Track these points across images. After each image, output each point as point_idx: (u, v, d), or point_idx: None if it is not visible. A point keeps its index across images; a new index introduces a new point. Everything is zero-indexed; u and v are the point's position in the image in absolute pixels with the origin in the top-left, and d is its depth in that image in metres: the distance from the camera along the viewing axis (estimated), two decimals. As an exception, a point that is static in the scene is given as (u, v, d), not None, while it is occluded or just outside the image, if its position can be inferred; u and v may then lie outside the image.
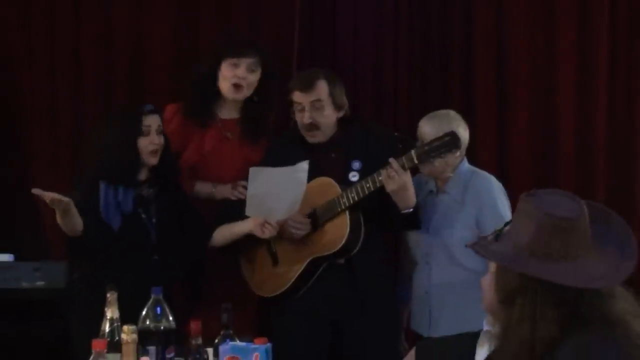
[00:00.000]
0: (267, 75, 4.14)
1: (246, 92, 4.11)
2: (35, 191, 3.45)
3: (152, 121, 3.77)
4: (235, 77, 4.06)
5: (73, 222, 3.60)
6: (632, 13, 4.68)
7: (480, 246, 2.29)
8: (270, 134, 4.22)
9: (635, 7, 4.68)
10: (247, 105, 4.17)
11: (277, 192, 3.87)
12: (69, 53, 4.78)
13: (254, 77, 4.10)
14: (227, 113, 4.19)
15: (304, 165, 3.85)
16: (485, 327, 2.70)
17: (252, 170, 3.91)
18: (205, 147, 4.16)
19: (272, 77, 4.18)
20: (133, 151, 3.74)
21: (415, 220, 3.85)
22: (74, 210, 3.57)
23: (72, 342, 3.69)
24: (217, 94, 4.15)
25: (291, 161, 3.91)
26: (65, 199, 3.49)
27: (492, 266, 2.30)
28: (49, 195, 3.45)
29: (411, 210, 3.79)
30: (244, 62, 4.07)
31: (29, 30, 4.77)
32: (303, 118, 3.92)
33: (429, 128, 3.89)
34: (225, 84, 4.10)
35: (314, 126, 3.92)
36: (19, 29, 4.77)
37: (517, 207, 2.23)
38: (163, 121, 3.88)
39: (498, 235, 2.25)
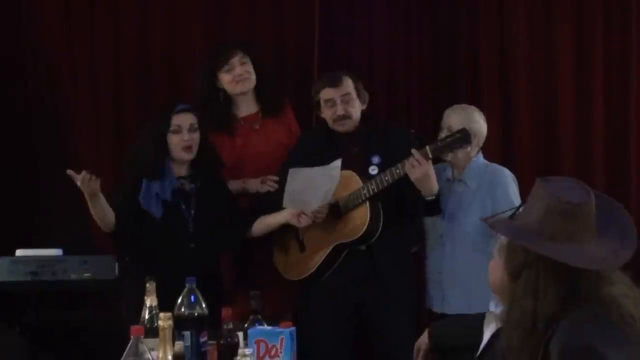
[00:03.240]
0: (255, 59, 4.36)
1: (253, 80, 4.34)
2: (69, 172, 3.70)
3: (182, 120, 3.96)
4: (236, 77, 4.30)
5: (102, 210, 3.81)
6: (624, 11, 4.78)
7: (493, 221, 2.38)
8: (287, 105, 4.44)
9: (626, 7, 4.78)
10: (258, 91, 4.38)
11: (312, 187, 4.07)
12: (109, 59, 4.93)
13: (249, 67, 4.32)
14: (246, 109, 4.40)
15: (337, 163, 4.05)
16: (491, 309, 2.90)
17: (291, 171, 4.12)
18: (237, 146, 4.36)
19: (260, 56, 4.42)
20: (162, 147, 3.94)
21: (436, 206, 4.02)
22: (102, 199, 3.79)
23: (123, 328, 3.87)
24: (228, 99, 4.36)
25: (317, 154, 4.12)
26: (94, 177, 3.70)
27: (497, 249, 2.36)
28: (80, 176, 3.69)
29: (434, 197, 3.95)
30: (234, 61, 4.29)
31: (71, 41, 4.92)
32: (336, 111, 4.10)
33: (454, 118, 4.08)
34: (230, 86, 4.32)
35: (346, 117, 4.10)
36: (61, 38, 4.91)
37: (532, 190, 2.30)
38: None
39: (513, 214, 2.34)
